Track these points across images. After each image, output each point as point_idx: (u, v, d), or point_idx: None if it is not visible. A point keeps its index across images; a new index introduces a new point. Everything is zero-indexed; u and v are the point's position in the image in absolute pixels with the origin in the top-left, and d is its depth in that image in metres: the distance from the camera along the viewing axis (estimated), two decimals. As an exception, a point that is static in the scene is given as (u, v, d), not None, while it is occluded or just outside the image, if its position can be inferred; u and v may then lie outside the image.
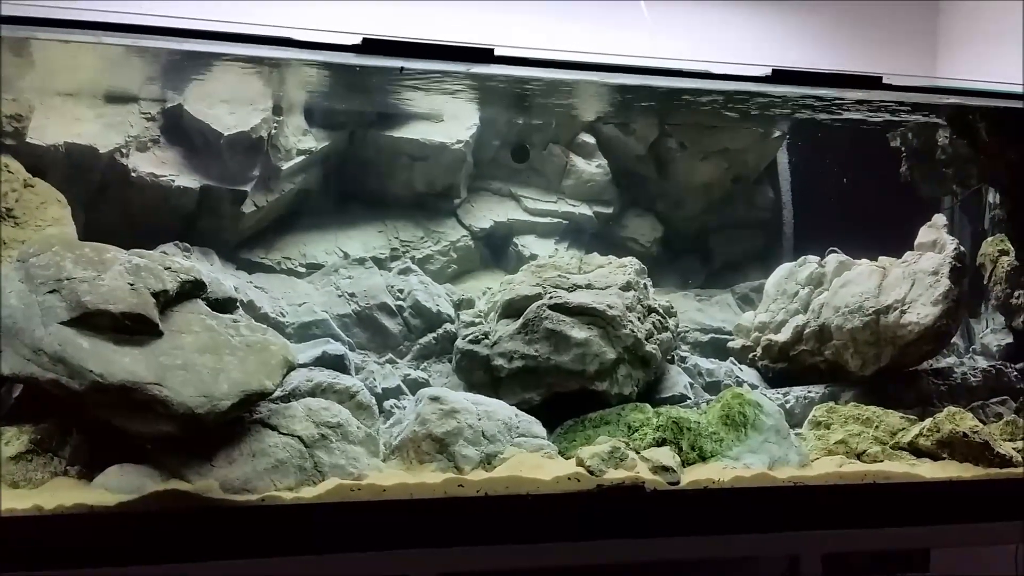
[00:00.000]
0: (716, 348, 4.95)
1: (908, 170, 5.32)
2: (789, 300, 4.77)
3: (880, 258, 4.67)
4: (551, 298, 4.02)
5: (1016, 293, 4.97)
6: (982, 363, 4.85)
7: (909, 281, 4.40)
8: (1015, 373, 4.69)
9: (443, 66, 3.77)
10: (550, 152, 5.28)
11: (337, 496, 3.17)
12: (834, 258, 4.74)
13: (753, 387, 4.46)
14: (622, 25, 5.31)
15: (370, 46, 3.37)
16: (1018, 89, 4.29)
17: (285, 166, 4.61)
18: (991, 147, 4.76)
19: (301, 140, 4.68)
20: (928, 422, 3.94)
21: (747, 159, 5.53)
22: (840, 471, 3.71)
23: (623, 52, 4.75)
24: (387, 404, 3.91)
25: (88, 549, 2.91)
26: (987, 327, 5.27)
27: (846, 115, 4.66)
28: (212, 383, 3.09)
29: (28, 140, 4.04)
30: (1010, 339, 5.10)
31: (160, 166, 4.38)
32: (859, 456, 3.87)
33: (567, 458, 3.54)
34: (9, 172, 3.75)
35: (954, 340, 4.93)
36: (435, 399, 3.56)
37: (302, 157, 4.66)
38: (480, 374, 3.99)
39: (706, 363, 4.59)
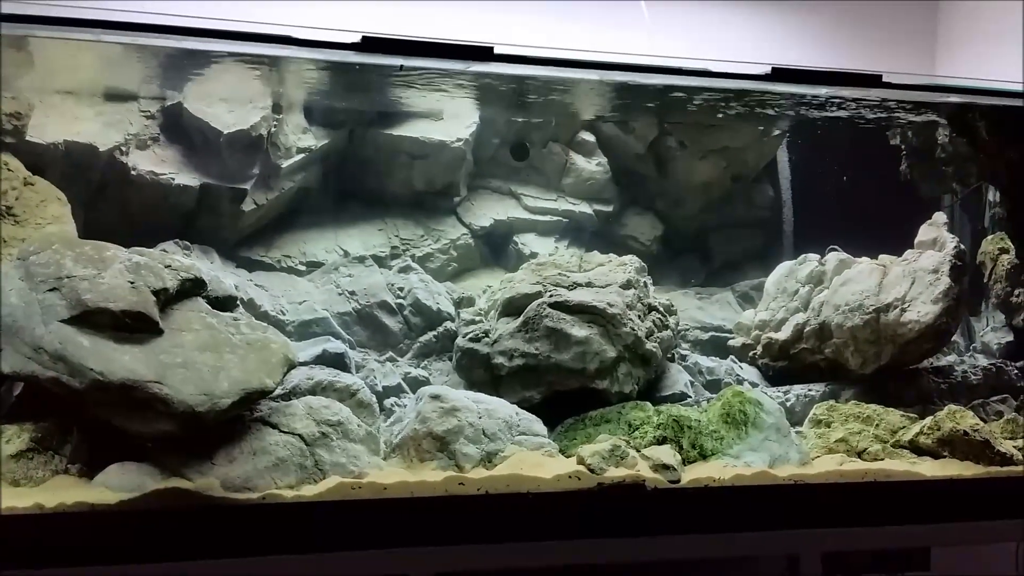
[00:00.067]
0: (716, 346, 4.95)
1: (908, 168, 5.32)
2: (789, 298, 4.77)
3: (880, 256, 4.67)
4: (551, 296, 4.02)
5: (1016, 291, 4.97)
6: (982, 361, 4.85)
7: (909, 279, 4.40)
8: (1015, 371, 4.70)
9: (443, 64, 3.77)
10: (550, 150, 5.28)
11: (338, 494, 3.17)
12: (834, 256, 4.74)
13: (754, 385, 4.47)
14: (622, 25, 5.31)
15: (370, 44, 3.37)
16: (1017, 87, 4.29)
17: (285, 164, 4.61)
18: (991, 145, 4.76)
19: (301, 138, 4.68)
20: (929, 420, 3.94)
21: (746, 158, 5.53)
22: (841, 469, 3.71)
23: (623, 52, 4.76)
24: (387, 402, 3.92)
25: (89, 547, 2.91)
26: (987, 325, 5.27)
27: (843, 113, 4.67)
28: (212, 381, 3.09)
29: (28, 138, 4.03)
30: (1010, 337, 5.10)
31: (160, 164, 4.37)
32: (859, 454, 3.87)
33: (568, 456, 3.54)
34: (9, 170, 3.75)
35: (954, 338, 4.93)
36: (436, 397, 3.56)
37: (302, 155, 4.66)
38: (480, 372, 3.99)
39: (706, 361, 4.60)
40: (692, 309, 5.13)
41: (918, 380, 4.48)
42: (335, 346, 4.04)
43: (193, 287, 3.45)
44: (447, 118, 4.93)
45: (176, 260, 3.48)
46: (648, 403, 3.90)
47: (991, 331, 5.21)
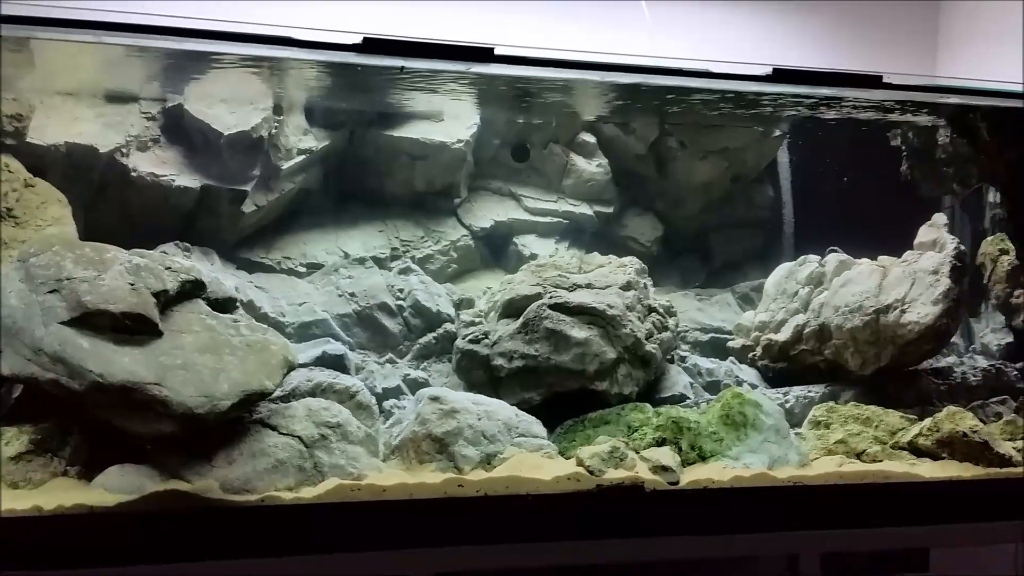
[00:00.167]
0: (716, 348, 4.95)
1: (908, 169, 5.32)
2: (789, 299, 4.77)
3: (880, 257, 4.67)
4: (551, 298, 4.02)
5: (1016, 292, 4.97)
6: (982, 362, 4.85)
7: (909, 280, 4.40)
8: (1015, 372, 4.70)
9: (443, 65, 3.77)
10: (550, 151, 5.28)
11: (337, 496, 3.17)
12: (834, 257, 4.74)
13: (753, 387, 4.47)
14: (622, 25, 5.30)
15: (370, 45, 3.37)
16: (1017, 88, 4.29)
17: (285, 165, 4.61)
18: (991, 146, 4.76)
19: (301, 139, 4.68)
20: (928, 422, 3.94)
21: (747, 158, 5.53)
22: (840, 471, 3.71)
23: (623, 52, 4.76)
24: (387, 404, 3.92)
25: (88, 549, 2.91)
26: (987, 326, 5.27)
27: (842, 114, 4.67)
28: (212, 383, 3.09)
29: (28, 140, 4.04)
30: (1010, 338, 5.10)
31: (160, 166, 4.38)
32: (859, 456, 3.87)
33: (567, 458, 3.54)
34: (10, 172, 3.75)
35: (954, 339, 4.93)
36: (435, 399, 3.57)
37: (302, 156, 4.66)
38: (480, 374, 3.99)
39: (706, 363, 4.60)
40: (692, 310, 5.13)
41: (918, 381, 4.48)
42: (335, 348, 4.04)
43: (193, 289, 3.45)
44: (447, 119, 4.94)
45: (176, 262, 3.49)
46: (647, 405, 3.90)
47: (991, 332, 5.21)
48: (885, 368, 4.40)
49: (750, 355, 4.78)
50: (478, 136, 5.01)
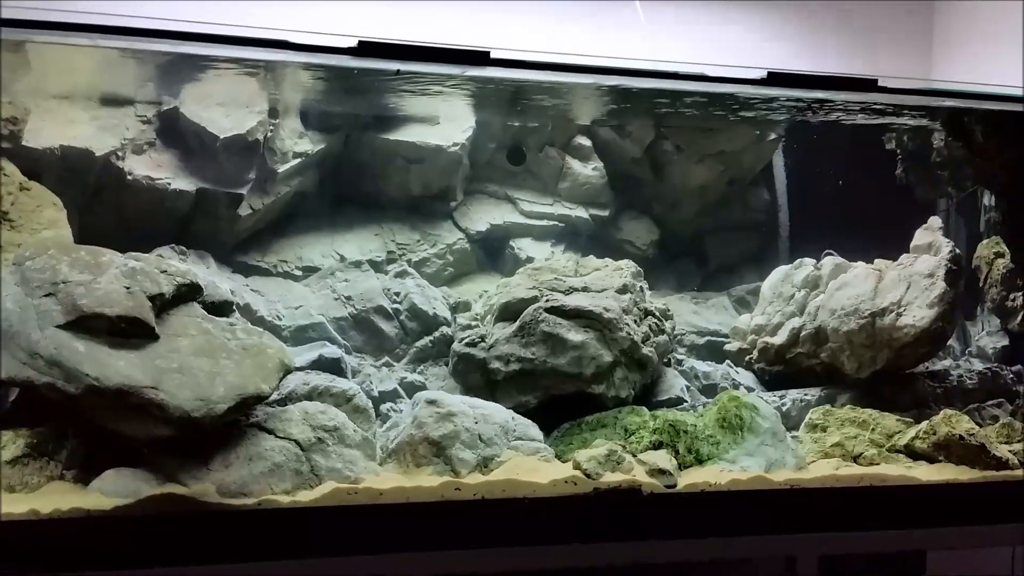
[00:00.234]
0: (712, 351, 4.95)
1: (904, 172, 5.32)
2: (785, 303, 4.77)
3: (876, 260, 4.68)
4: (547, 301, 4.02)
5: (1012, 295, 4.98)
6: (978, 365, 4.85)
7: (905, 284, 4.41)
8: (1011, 375, 4.71)
9: (439, 69, 3.77)
10: (546, 155, 5.27)
11: (334, 500, 3.17)
12: (830, 260, 4.75)
13: (749, 390, 4.47)
14: (621, 26, 5.31)
15: (366, 49, 3.36)
16: (1012, 91, 4.29)
17: (281, 169, 4.60)
18: (986, 149, 4.76)
19: (297, 143, 4.67)
20: (924, 425, 3.95)
21: (742, 161, 5.53)
22: (836, 474, 3.71)
23: (622, 54, 4.76)
24: (384, 407, 3.91)
25: (84, 553, 2.91)
26: (983, 329, 5.27)
27: (836, 117, 4.68)
28: (208, 386, 3.09)
29: (24, 143, 4.02)
30: (1006, 341, 5.11)
31: (156, 169, 4.37)
32: (855, 459, 3.88)
33: (564, 461, 3.54)
34: (5, 175, 3.74)
35: (950, 343, 4.94)
36: (432, 402, 3.56)
37: (298, 160, 4.65)
38: (477, 377, 3.99)
39: (702, 366, 4.60)
40: (688, 313, 5.13)
41: (914, 384, 4.48)
42: (331, 351, 4.03)
43: (189, 292, 3.45)
44: (443, 122, 4.93)
45: (172, 265, 3.48)
46: (644, 408, 3.90)
47: (986, 335, 5.21)
48: (881, 371, 4.41)
49: (746, 358, 4.78)
50: (474, 139, 5.00)
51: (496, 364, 3.93)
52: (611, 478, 3.41)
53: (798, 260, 4.89)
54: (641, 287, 4.37)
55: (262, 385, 3.22)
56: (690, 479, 3.52)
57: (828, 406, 4.23)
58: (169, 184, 4.35)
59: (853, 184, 5.38)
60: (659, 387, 4.23)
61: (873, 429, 4.00)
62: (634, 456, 3.55)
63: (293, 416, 3.35)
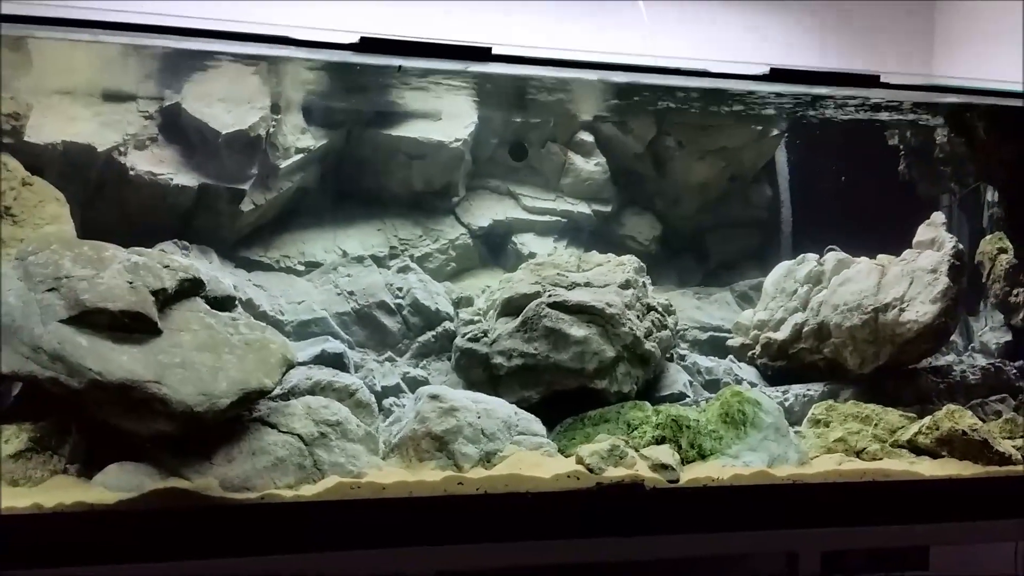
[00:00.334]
0: (715, 346, 4.95)
1: (906, 168, 5.32)
2: (788, 298, 4.77)
3: (879, 256, 4.67)
4: (550, 296, 4.02)
5: (1015, 291, 4.98)
6: (981, 361, 4.85)
7: (908, 279, 4.41)
8: (1014, 371, 4.70)
9: (441, 64, 3.77)
10: (548, 150, 5.27)
11: (337, 494, 3.17)
12: (833, 256, 4.75)
13: (752, 385, 4.47)
14: (622, 25, 5.30)
15: (368, 45, 3.36)
16: (1015, 87, 4.29)
17: (283, 164, 4.60)
18: (989, 145, 4.76)
19: (299, 138, 4.67)
20: (927, 420, 3.94)
21: (744, 158, 5.52)
22: (839, 469, 3.71)
23: (623, 52, 4.76)
24: (386, 402, 3.92)
25: (88, 547, 2.91)
26: (986, 325, 5.27)
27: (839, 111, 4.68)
28: (211, 381, 3.09)
29: (26, 139, 4.03)
30: (1009, 337, 5.11)
31: (158, 164, 4.37)
32: (858, 454, 3.87)
33: (567, 456, 3.54)
34: (7, 170, 3.74)
35: (953, 338, 4.93)
36: (434, 397, 3.56)
37: (300, 155, 4.65)
38: (479, 372, 3.99)
39: (705, 361, 4.60)
40: (691, 309, 5.13)
41: (917, 380, 4.48)
42: (334, 346, 4.04)
43: (192, 287, 3.45)
44: (445, 118, 4.93)
45: (175, 260, 3.48)
46: (647, 403, 3.90)
47: (989, 331, 5.21)
48: (884, 366, 4.40)
49: (749, 353, 4.78)
50: (476, 135, 5.00)
51: (499, 359, 3.93)
52: (614, 473, 3.41)
53: (801, 255, 4.88)
54: (644, 282, 4.37)
55: (265, 380, 3.22)
56: (693, 474, 3.52)
57: (831, 401, 4.22)
58: (171, 180, 4.35)
59: (856, 180, 5.37)
60: (662, 382, 4.23)
61: (876, 424, 4.00)
62: (637, 451, 3.55)
63: (296, 411, 3.35)
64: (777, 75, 3.86)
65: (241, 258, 4.61)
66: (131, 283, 3.21)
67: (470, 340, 4.06)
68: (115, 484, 2.99)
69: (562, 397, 3.89)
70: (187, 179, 4.39)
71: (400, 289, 4.47)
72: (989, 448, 3.81)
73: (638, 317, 4.10)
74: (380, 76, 4.13)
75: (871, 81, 3.94)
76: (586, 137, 5.31)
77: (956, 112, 4.77)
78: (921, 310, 4.29)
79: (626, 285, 4.18)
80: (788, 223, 5.64)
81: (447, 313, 4.45)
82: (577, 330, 3.91)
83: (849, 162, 5.39)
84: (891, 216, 5.13)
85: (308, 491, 3.16)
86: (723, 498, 3.49)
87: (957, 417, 3.90)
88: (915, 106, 4.70)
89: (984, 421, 4.11)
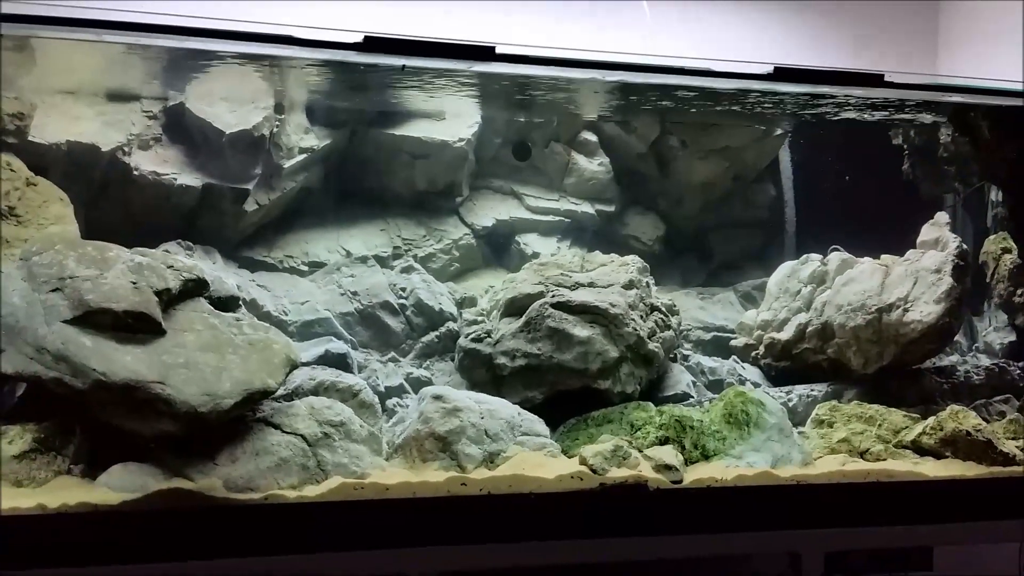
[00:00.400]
0: (719, 346, 4.95)
1: (910, 168, 5.31)
2: (792, 298, 4.76)
3: (883, 256, 4.67)
4: (553, 296, 4.02)
5: (1019, 291, 4.97)
6: (985, 361, 4.85)
7: (912, 279, 4.40)
8: (1018, 371, 4.70)
9: (445, 64, 3.77)
10: (552, 150, 5.27)
11: (340, 495, 3.17)
12: (836, 256, 4.74)
13: (756, 385, 4.46)
14: (623, 25, 5.30)
15: (372, 44, 3.36)
16: (1018, 87, 4.28)
17: (287, 164, 4.61)
18: (992, 145, 4.75)
19: (303, 138, 4.68)
20: (931, 420, 3.94)
21: (747, 157, 5.53)
22: (843, 469, 3.71)
23: (624, 52, 4.75)
24: (390, 403, 3.92)
25: (92, 547, 2.91)
26: (990, 325, 5.27)
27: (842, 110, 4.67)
28: (215, 381, 3.09)
29: (30, 138, 4.04)
30: (1013, 337, 5.10)
31: (162, 164, 4.37)
32: (862, 454, 3.87)
33: (570, 457, 3.54)
34: (11, 171, 3.75)
35: (957, 338, 4.93)
36: (438, 397, 3.56)
37: (304, 155, 4.66)
38: (482, 372, 3.99)
39: (709, 361, 4.60)
40: (694, 309, 5.13)
41: (920, 380, 4.48)
42: (337, 346, 4.04)
43: (195, 287, 3.45)
44: (449, 118, 4.93)
45: (178, 260, 3.49)
46: (650, 403, 3.90)
47: (993, 331, 5.21)
48: (888, 367, 4.40)
49: (753, 354, 4.78)
50: (479, 135, 5.01)
51: (502, 359, 3.93)
52: (617, 473, 3.40)
53: (804, 256, 4.88)
54: (647, 283, 4.36)
55: (268, 380, 3.22)
56: (696, 475, 3.52)
57: (834, 402, 4.21)
58: (175, 180, 4.36)
59: (860, 180, 5.37)
60: (665, 383, 4.23)
61: (880, 425, 4.00)
62: (640, 452, 3.54)
63: (299, 411, 3.35)
64: (781, 74, 3.86)
65: (245, 258, 4.61)
66: (135, 283, 3.22)
67: (473, 340, 4.06)
68: (119, 485, 3.00)
69: (565, 397, 3.89)
70: (191, 179, 4.39)
71: (403, 289, 4.47)
72: (993, 449, 3.81)
73: (642, 317, 4.10)
74: (383, 75, 4.13)
75: (875, 80, 3.93)
76: (589, 137, 5.32)
77: (960, 111, 4.76)
78: (925, 310, 4.28)
79: (629, 285, 4.18)
80: (792, 223, 5.64)
81: (450, 313, 4.45)
82: (581, 330, 3.91)
83: (852, 162, 5.39)
84: (895, 216, 5.12)
85: (312, 492, 3.17)
86: (726, 499, 3.48)
87: (961, 418, 3.90)
88: (919, 105, 4.69)
89: (988, 422, 4.10)
